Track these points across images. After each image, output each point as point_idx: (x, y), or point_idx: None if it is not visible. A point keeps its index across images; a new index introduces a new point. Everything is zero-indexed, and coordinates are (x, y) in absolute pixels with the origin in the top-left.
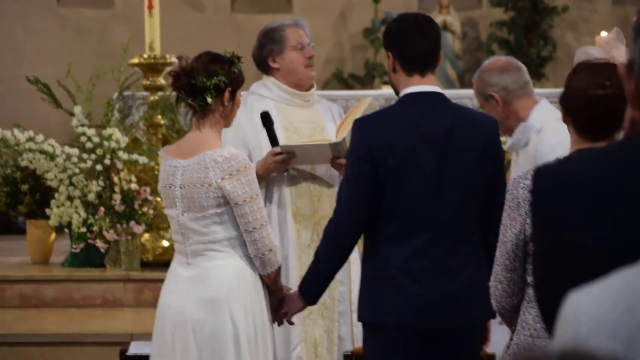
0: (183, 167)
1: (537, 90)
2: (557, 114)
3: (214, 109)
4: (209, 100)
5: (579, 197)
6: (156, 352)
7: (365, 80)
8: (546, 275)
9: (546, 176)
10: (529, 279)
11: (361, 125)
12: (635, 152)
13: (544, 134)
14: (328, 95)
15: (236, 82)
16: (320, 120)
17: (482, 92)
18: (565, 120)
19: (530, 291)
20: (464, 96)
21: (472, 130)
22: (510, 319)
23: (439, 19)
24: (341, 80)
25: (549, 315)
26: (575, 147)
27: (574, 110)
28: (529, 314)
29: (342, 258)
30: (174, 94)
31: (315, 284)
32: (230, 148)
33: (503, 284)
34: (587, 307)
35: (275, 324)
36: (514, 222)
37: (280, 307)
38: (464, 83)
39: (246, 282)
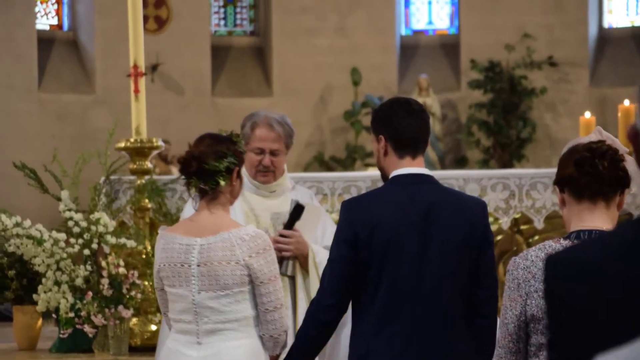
0: (201, 246)
1: (516, 171)
2: None
3: (224, 190)
4: (222, 183)
5: (592, 275)
6: None
7: (346, 163)
8: (569, 356)
9: (559, 262)
10: None
11: (348, 207)
12: None
13: None
14: (310, 178)
15: (242, 161)
16: (284, 209)
17: None
18: (562, 202)
19: None
20: (446, 177)
21: (458, 212)
22: None
23: (418, 101)
24: (322, 163)
25: None
26: (578, 223)
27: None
28: None
29: (322, 337)
30: (182, 179)
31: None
32: (253, 227)
33: None
34: None
35: None
36: (515, 303)
37: None
38: (444, 164)
39: None
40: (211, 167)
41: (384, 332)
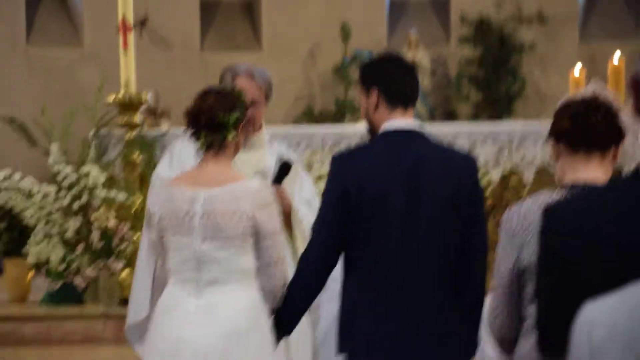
0: (206, 197)
1: (506, 125)
2: None
3: (230, 144)
4: (230, 136)
5: (588, 236)
6: None
7: (335, 117)
8: (551, 307)
9: (557, 215)
10: (525, 311)
11: (338, 161)
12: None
13: None
14: (300, 132)
15: (246, 115)
16: (264, 164)
17: None
18: (556, 154)
19: (527, 322)
20: (436, 132)
21: (447, 168)
22: (511, 350)
23: (408, 55)
24: (312, 118)
25: (550, 342)
26: (572, 175)
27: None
28: (527, 344)
29: (312, 290)
30: (189, 132)
31: (288, 315)
32: (258, 180)
33: (504, 315)
34: (603, 315)
35: None
36: (509, 254)
37: None
38: (434, 119)
39: (263, 314)
40: (220, 120)
41: (373, 287)
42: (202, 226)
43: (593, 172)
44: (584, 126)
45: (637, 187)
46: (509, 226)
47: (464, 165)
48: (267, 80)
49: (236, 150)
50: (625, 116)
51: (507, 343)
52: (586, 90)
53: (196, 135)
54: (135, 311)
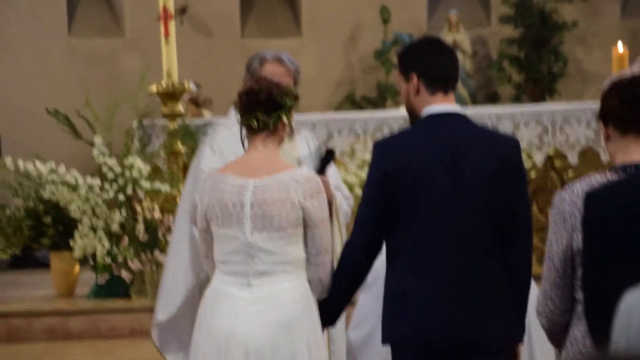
0: (255, 186)
1: (549, 106)
2: None
3: (281, 128)
4: (285, 118)
5: (629, 222)
6: None
7: (377, 102)
8: (599, 291)
9: (598, 200)
10: (577, 295)
11: (379, 148)
12: None
13: None
14: (342, 118)
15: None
16: (297, 152)
17: None
18: (606, 136)
19: (578, 307)
20: (478, 114)
21: (489, 149)
22: (561, 336)
23: (448, 37)
24: (353, 103)
25: (598, 329)
26: (624, 157)
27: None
28: (578, 330)
29: (357, 277)
30: (240, 112)
31: (333, 304)
32: (306, 169)
33: (554, 301)
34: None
35: None
36: (561, 237)
37: None
38: (476, 101)
39: (313, 304)
40: (278, 100)
41: (419, 271)
42: (253, 216)
43: None
44: (634, 107)
45: None
46: (561, 209)
47: (507, 147)
48: (295, 66)
49: (281, 140)
50: None
51: (557, 331)
52: (633, 68)
53: (250, 114)
54: (165, 306)
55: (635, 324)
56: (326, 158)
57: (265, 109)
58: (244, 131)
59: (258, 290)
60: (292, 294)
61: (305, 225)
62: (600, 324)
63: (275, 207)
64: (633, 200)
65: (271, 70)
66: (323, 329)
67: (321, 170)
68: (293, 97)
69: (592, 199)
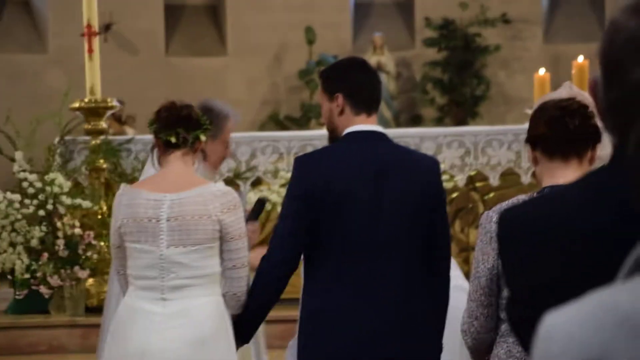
0: (172, 200)
1: (472, 129)
2: None
3: (197, 148)
4: (203, 137)
5: (547, 237)
6: None
7: (301, 122)
8: (523, 318)
9: (510, 219)
10: (502, 314)
11: (300, 164)
12: (604, 184)
13: None
14: (266, 137)
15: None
16: None
17: None
18: (534, 159)
19: (502, 326)
20: (402, 135)
21: (411, 170)
22: (485, 354)
23: (373, 59)
24: (277, 122)
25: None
26: (550, 180)
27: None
28: (502, 348)
29: (274, 293)
30: (159, 128)
31: (248, 321)
32: (222, 184)
33: (480, 321)
34: (560, 326)
35: None
36: (487, 256)
37: None
38: (399, 123)
39: (227, 320)
40: (198, 118)
41: (338, 289)
42: (169, 230)
43: (571, 176)
44: (561, 132)
45: (599, 181)
46: (488, 228)
47: (427, 166)
48: None
49: (194, 161)
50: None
51: (482, 350)
52: (560, 93)
53: (170, 129)
54: None
55: (554, 351)
56: (258, 206)
57: (185, 125)
58: (156, 151)
59: (173, 305)
60: (207, 309)
61: (222, 239)
62: (529, 340)
63: (192, 221)
64: (539, 217)
65: (231, 128)
66: (238, 346)
67: (254, 217)
68: (209, 121)
69: (503, 217)
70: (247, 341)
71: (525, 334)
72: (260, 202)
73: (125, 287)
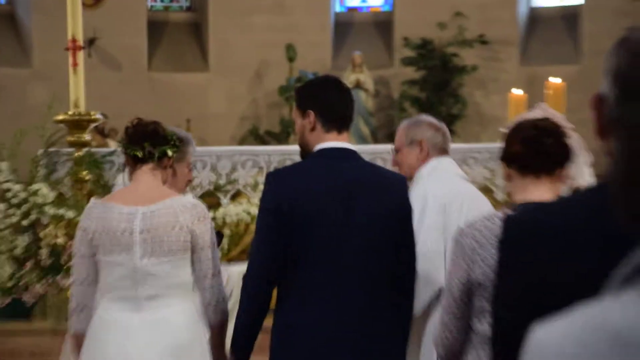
0: (144, 213)
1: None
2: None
3: (166, 165)
4: (170, 152)
5: (554, 243)
6: None
7: (280, 137)
8: (512, 322)
9: (518, 223)
10: (473, 325)
11: (273, 179)
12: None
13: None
14: (247, 151)
15: (173, 157)
16: None
17: (411, 138)
18: (507, 176)
19: (472, 337)
20: (379, 151)
21: (380, 188)
22: None
23: (352, 77)
24: (257, 137)
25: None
26: (522, 196)
27: (515, 155)
28: (472, 357)
29: (260, 310)
30: (126, 144)
31: (243, 336)
32: (190, 196)
33: (453, 333)
34: (551, 341)
35: None
36: (459, 270)
37: None
38: (377, 139)
39: (202, 328)
40: (166, 134)
41: (308, 304)
42: (142, 242)
43: (542, 193)
44: (535, 151)
45: (595, 196)
46: (462, 242)
47: (395, 183)
48: None
49: (165, 178)
50: (574, 138)
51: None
52: (534, 112)
53: (137, 145)
54: None
55: None
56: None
57: (151, 140)
58: (127, 167)
59: (148, 315)
60: (181, 317)
61: (193, 249)
62: (507, 353)
63: (165, 232)
64: (550, 221)
65: (193, 152)
66: None
67: None
68: (178, 140)
69: (510, 221)
70: (243, 358)
71: (505, 339)
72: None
73: (82, 298)
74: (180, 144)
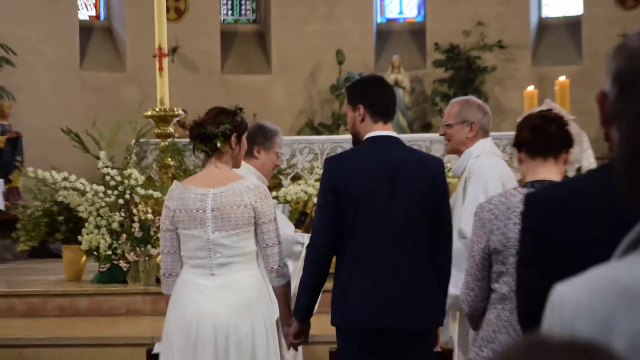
0: (214, 194)
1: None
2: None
3: (225, 151)
4: (218, 144)
5: (568, 215)
6: (189, 357)
7: (332, 128)
8: (535, 281)
9: (538, 199)
10: (492, 286)
11: (330, 162)
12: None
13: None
14: (303, 140)
15: (240, 128)
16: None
17: (464, 117)
18: (519, 159)
19: (493, 296)
20: (415, 139)
21: (420, 167)
22: (478, 319)
23: (391, 77)
24: (312, 128)
25: (527, 315)
26: (533, 176)
27: (525, 140)
28: (492, 314)
29: (321, 272)
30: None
31: (307, 295)
32: (254, 178)
33: (475, 291)
34: (571, 295)
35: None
36: (480, 239)
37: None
38: (413, 129)
39: (265, 289)
40: (209, 131)
41: (361, 267)
42: (214, 218)
43: (549, 173)
44: (541, 136)
45: (603, 174)
46: (481, 216)
47: (433, 165)
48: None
49: (234, 158)
50: (573, 127)
51: (476, 315)
52: (542, 107)
53: (195, 146)
54: None
55: (567, 316)
56: (300, 219)
57: (202, 141)
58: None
59: (220, 279)
60: (248, 280)
61: (256, 223)
62: (532, 310)
63: (231, 210)
64: (568, 196)
65: (281, 143)
66: (302, 321)
67: (296, 227)
68: (231, 123)
69: (531, 197)
70: (303, 320)
71: (529, 295)
72: (303, 214)
73: (170, 265)
74: (268, 135)
